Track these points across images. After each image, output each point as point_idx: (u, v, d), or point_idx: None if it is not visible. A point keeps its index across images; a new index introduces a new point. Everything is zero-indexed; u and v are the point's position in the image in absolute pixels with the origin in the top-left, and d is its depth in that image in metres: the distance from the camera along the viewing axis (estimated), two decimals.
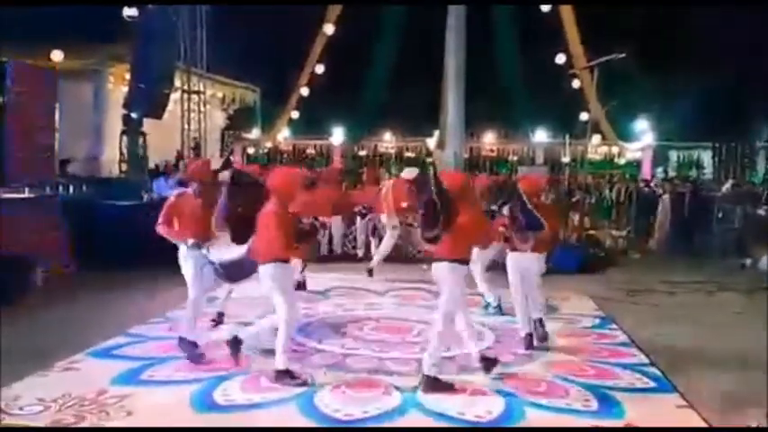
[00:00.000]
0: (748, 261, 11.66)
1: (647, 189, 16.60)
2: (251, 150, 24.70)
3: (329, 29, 23.18)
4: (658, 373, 5.54)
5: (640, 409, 4.72)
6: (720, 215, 13.82)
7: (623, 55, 15.73)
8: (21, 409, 4.57)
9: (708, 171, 27.13)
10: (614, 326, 7.18)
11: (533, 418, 4.59)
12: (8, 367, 5.26)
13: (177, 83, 16.05)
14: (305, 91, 24.09)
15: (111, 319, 7.03)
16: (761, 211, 13.87)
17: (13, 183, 9.41)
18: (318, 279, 8.99)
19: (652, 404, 4.88)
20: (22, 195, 9.37)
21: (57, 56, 14.62)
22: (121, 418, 4.48)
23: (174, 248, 5.97)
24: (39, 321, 6.92)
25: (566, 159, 22.05)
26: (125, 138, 13.80)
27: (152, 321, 7.05)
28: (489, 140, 26.04)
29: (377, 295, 8.58)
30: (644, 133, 26.33)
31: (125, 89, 14.52)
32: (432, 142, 23.98)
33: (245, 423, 4.47)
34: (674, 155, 28.57)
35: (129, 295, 8.26)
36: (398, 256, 10.62)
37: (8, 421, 4.38)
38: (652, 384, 5.31)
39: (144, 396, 4.88)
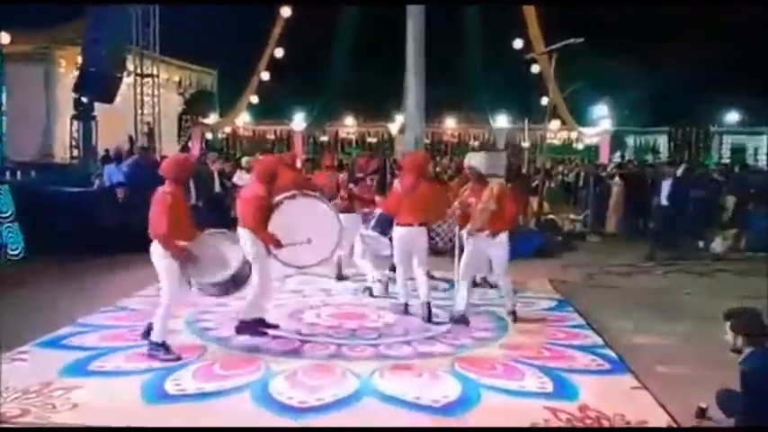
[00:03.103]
0: (701, 243, 11.90)
1: (603, 173, 16.81)
2: (209, 136, 24.29)
3: (286, 11, 22.85)
4: (613, 354, 5.60)
5: (595, 391, 4.75)
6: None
7: (581, 40, 15.82)
8: None
9: (664, 155, 27.70)
10: (570, 308, 7.25)
11: (489, 401, 4.58)
12: None
13: (130, 66, 15.64)
14: (264, 75, 23.75)
15: (60, 309, 6.80)
16: (713, 195, 14.17)
17: None
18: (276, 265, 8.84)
19: (607, 385, 4.91)
20: None
21: (2, 38, 14.10)
22: (67, 410, 4.33)
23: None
24: None
25: (525, 144, 22.25)
26: (75, 122, 13.39)
27: (103, 310, 6.86)
28: (450, 126, 26.12)
29: (335, 281, 8.48)
30: (602, 119, 26.72)
31: (77, 73, 14.09)
32: (394, 127, 23.94)
33: (198, 413, 4.36)
34: (631, 140, 29.08)
35: (80, 284, 8.03)
36: None
37: None
38: (607, 366, 5.35)
39: (92, 387, 4.73)
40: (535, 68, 23.46)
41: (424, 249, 6.86)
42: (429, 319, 6.52)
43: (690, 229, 12.23)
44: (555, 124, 24.45)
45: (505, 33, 23.37)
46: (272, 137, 25.82)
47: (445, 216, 8.10)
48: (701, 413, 4.22)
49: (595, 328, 6.41)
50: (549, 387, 4.83)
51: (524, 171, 15.86)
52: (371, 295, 7.63)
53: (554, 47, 14.50)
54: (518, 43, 23.35)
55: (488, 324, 6.56)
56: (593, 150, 27.64)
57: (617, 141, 28.19)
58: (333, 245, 6.28)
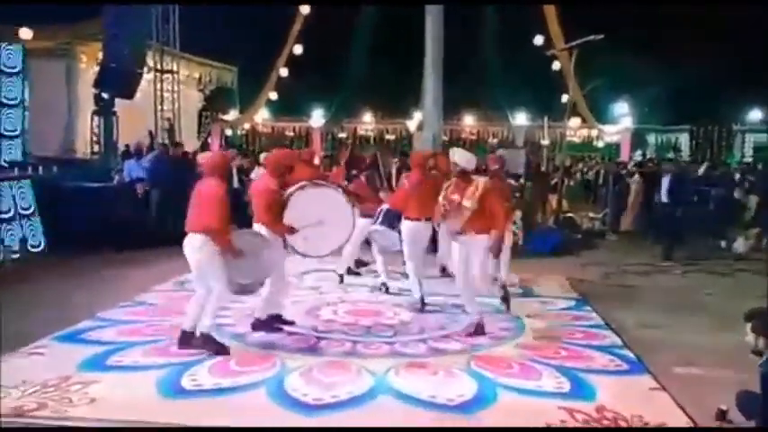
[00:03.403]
0: (723, 243, 11.74)
1: (623, 171, 16.64)
2: (229, 132, 24.40)
3: (306, 8, 22.86)
4: (632, 355, 5.53)
5: (612, 392, 4.69)
6: (696, 198, 13.89)
7: (601, 36, 15.65)
8: None
9: (685, 154, 27.36)
10: (588, 308, 7.17)
11: (505, 400, 4.55)
12: None
13: (150, 62, 15.74)
14: (283, 71, 23.78)
15: (79, 303, 6.88)
16: (735, 194, 13.98)
17: None
18: (293, 262, 8.86)
19: (624, 386, 4.85)
20: None
21: (25, 33, 14.24)
22: (84, 404, 4.36)
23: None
24: (4, 305, 6.73)
25: (545, 142, 22.08)
26: (96, 118, 13.51)
27: (121, 305, 6.91)
28: (469, 123, 25.98)
29: (352, 277, 8.47)
30: (622, 116, 26.44)
31: (98, 68, 14.19)
32: (412, 124, 23.87)
33: (213, 409, 4.38)
34: (652, 138, 28.76)
35: (99, 278, 8.11)
36: None
37: None
38: (625, 366, 5.28)
39: (109, 382, 4.76)
40: (555, 65, 23.25)
41: (425, 244, 7.16)
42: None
43: (710, 229, 12.09)
44: (575, 122, 24.23)
45: (525, 30, 23.19)
46: (291, 133, 25.86)
47: None
48: (722, 415, 4.15)
49: (614, 328, 6.34)
50: (567, 387, 4.78)
51: (543, 169, 15.75)
52: (387, 292, 7.62)
53: (574, 43, 14.36)
54: (538, 40, 23.15)
55: (505, 323, 6.51)
56: (613, 148, 27.38)
57: (638, 139, 27.89)
58: (349, 229, 6.32)
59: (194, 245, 5.27)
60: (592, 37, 14.70)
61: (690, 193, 13.73)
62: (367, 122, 26.28)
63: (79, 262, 8.77)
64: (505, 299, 6.75)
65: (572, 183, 17.04)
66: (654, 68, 23.96)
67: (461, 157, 6.01)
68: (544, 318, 6.73)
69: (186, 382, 4.77)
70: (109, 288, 7.63)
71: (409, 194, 7.00)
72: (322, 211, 6.00)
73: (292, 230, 5.84)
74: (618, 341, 5.95)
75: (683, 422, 4.25)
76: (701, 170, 17.26)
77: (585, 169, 21.65)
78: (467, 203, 5.81)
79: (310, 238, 5.95)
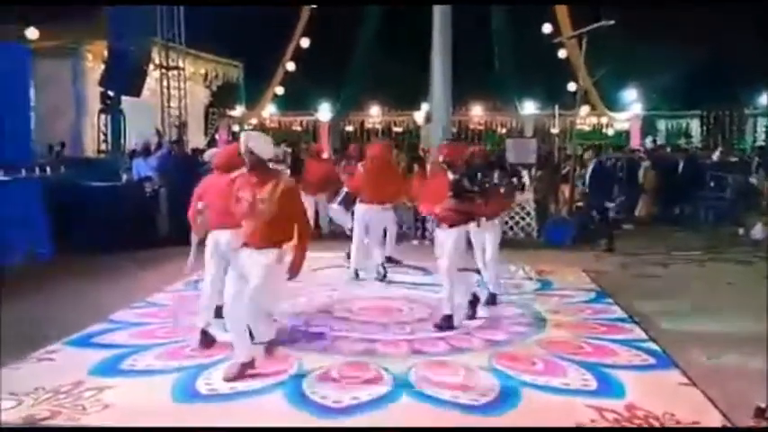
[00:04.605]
0: (741, 230, 11.54)
1: (636, 159, 16.40)
2: (236, 128, 24.27)
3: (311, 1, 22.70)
4: (657, 348, 5.37)
5: (641, 388, 4.53)
6: (712, 184, 13.70)
7: (612, 23, 15.39)
8: None
9: (696, 140, 27.05)
10: (610, 300, 7.01)
11: (531, 399, 4.40)
12: None
13: (156, 59, 15.62)
14: (290, 66, 23.61)
15: (89, 305, 6.77)
16: (752, 180, 13.75)
17: None
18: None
19: (653, 382, 4.69)
20: None
21: (32, 33, 14.15)
22: (97, 412, 4.24)
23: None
24: (14, 309, 6.63)
25: (555, 131, 21.84)
26: (103, 117, 13.41)
27: (133, 306, 6.80)
28: (477, 113, 25.75)
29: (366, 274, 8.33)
30: (632, 103, 26.15)
31: (104, 67, 14.09)
32: (419, 116, 23.67)
33: (229, 413, 4.25)
34: (662, 124, 28.46)
35: (109, 279, 8.00)
36: None
37: None
38: (651, 361, 5.13)
39: (123, 387, 4.65)
40: (562, 53, 23.00)
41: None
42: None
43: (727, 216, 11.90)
44: (584, 110, 23.99)
45: (532, 18, 22.93)
46: (299, 128, 25.68)
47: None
48: (761, 413, 3.97)
49: (637, 321, 6.18)
50: (593, 384, 4.63)
51: (555, 158, 15.56)
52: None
53: (583, 30, 14.11)
54: (546, 28, 22.90)
55: (525, 318, 6.36)
56: (623, 136, 27.08)
57: (648, 126, 27.57)
58: None
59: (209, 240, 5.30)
60: (602, 23, 14.47)
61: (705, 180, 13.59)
62: (374, 115, 26.07)
63: (88, 262, 8.65)
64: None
65: (584, 171, 16.76)
66: (663, 53, 23.63)
67: (256, 143, 4.62)
68: (564, 312, 6.57)
69: (201, 386, 4.65)
70: (119, 289, 7.51)
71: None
72: None
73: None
74: (642, 334, 5.78)
75: (718, 421, 4.08)
76: (715, 156, 17.06)
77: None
78: (261, 206, 4.52)
79: None
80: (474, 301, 6.29)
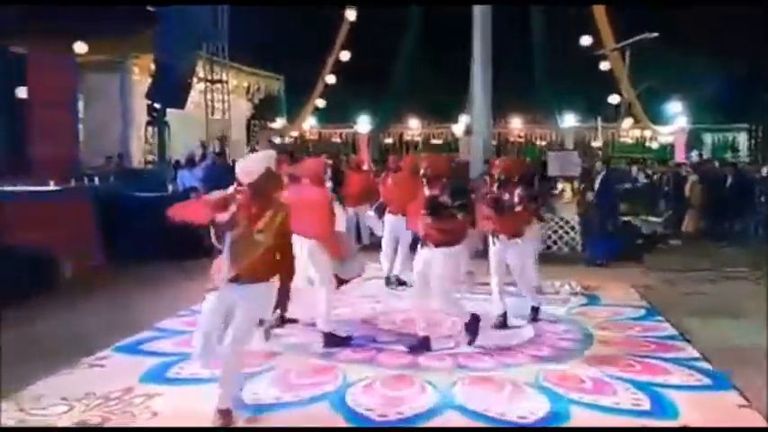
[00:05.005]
0: None
1: (683, 173, 16.07)
2: (277, 140, 24.56)
3: (352, 15, 22.90)
4: (712, 368, 5.20)
5: (697, 409, 4.39)
6: (762, 199, 13.33)
7: (655, 35, 15.17)
8: (44, 409, 4.40)
9: (743, 153, 26.40)
10: (660, 317, 6.83)
11: (581, 418, 4.30)
12: (32, 365, 5.14)
13: (200, 73, 15.92)
14: (330, 78, 23.84)
15: (138, 314, 6.87)
16: None
17: (37, 175, 9.32)
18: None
19: (709, 403, 4.54)
20: (47, 188, 9.27)
21: (80, 48, 14.51)
22: (146, 419, 4.29)
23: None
24: (65, 317, 6.79)
25: (597, 143, 21.55)
26: (150, 129, 13.70)
27: (180, 315, 6.88)
28: (517, 125, 25.59)
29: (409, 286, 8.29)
30: (677, 116, 25.66)
31: (150, 80, 14.41)
32: (458, 128, 23.62)
33: (273, 423, 4.25)
34: (708, 138, 27.85)
35: (157, 288, 8.12)
36: None
37: (31, 423, 4.22)
38: (706, 381, 4.96)
39: (170, 395, 4.69)
40: (604, 65, 22.74)
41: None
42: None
43: None
44: (627, 122, 23.65)
45: (572, 31, 22.74)
46: (338, 140, 25.86)
47: None
48: None
49: (689, 339, 6.01)
50: (646, 404, 4.50)
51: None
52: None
53: (626, 42, 13.90)
54: (585, 40, 22.68)
55: (572, 334, 6.24)
56: (667, 149, 26.58)
57: (693, 139, 27.02)
58: None
59: (305, 249, 5.56)
60: (645, 35, 14.24)
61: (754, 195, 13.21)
62: (413, 127, 26.12)
63: (136, 272, 8.81)
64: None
65: (629, 185, 16.45)
66: (708, 65, 23.16)
67: (252, 170, 4.09)
68: (612, 328, 6.43)
69: (247, 395, 4.67)
70: (166, 298, 7.62)
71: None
72: None
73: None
74: (695, 353, 5.61)
75: None
76: (765, 171, 16.58)
77: (642, 171, 20.97)
78: (259, 236, 4.04)
79: None
80: (471, 324, 5.85)
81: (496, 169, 6.67)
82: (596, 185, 10.76)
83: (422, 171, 5.76)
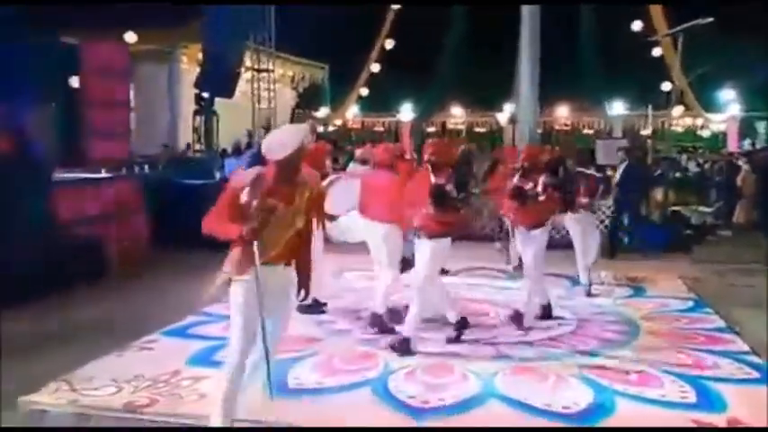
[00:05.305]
0: None
1: (735, 162, 15.59)
2: (320, 129, 24.71)
3: (396, 3, 22.85)
4: (762, 362, 5.07)
5: (745, 403, 4.30)
6: None
7: (710, 20, 14.68)
8: (95, 389, 4.55)
9: None
10: (708, 309, 6.68)
11: (626, 410, 4.24)
12: (83, 347, 5.33)
13: (248, 62, 16.10)
14: (375, 67, 23.84)
15: (185, 299, 7.00)
16: None
17: (89, 163, 9.59)
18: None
19: (758, 397, 4.41)
20: (98, 176, 9.53)
21: (130, 37, 14.84)
22: (193, 401, 4.40)
23: None
24: (114, 302, 6.99)
25: (646, 132, 21.03)
26: (198, 117, 13.94)
27: (226, 301, 6.98)
28: (563, 114, 25.17)
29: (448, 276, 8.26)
30: (729, 104, 24.88)
31: (198, 69, 14.63)
32: (502, 117, 23.37)
33: (316, 408, 4.32)
34: (762, 126, 26.95)
35: (203, 273, 8.23)
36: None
37: (83, 402, 4.37)
38: (755, 375, 4.85)
39: (217, 378, 4.78)
40: (655, 52, 22.16)
41: None
42: None
43: None
44: (677, 110, 23.02)
45: (623, 16, 22.20)
46: (381, 128, 25.86)
47: None
48: None
49: (738, 332, 5.86)
50: (693, 397, 4.42)
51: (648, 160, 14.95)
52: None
53: (679, 28, 13.52)
54: (636, 25, 22.13)
55: (617, 326, 6.15)
56: (719, 138, 25.81)
57: (746, 128, 26.16)
58: None
59: (380, 233, 5.78)
60: (698, 20, 13.83)
61: None
62: (457, 116, 25.92)
63: (183, 257, 8.96)
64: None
65: (679, 174, 16.03)
66: (763, 51, 22.35)
67: (281, 146, 3.77)
68: (660, 320, 6.32)
69: (290, 380, 4.74)
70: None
71: None
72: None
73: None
74: (744, 347, 5.48)
75: None
76: None
77: (693, 160, 20.44)
78: (297, 216, 3.82)
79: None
80: (460, 324, 5.69)
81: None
82: (617, 177, 10.34)
83: (426, 157, 5.45)
